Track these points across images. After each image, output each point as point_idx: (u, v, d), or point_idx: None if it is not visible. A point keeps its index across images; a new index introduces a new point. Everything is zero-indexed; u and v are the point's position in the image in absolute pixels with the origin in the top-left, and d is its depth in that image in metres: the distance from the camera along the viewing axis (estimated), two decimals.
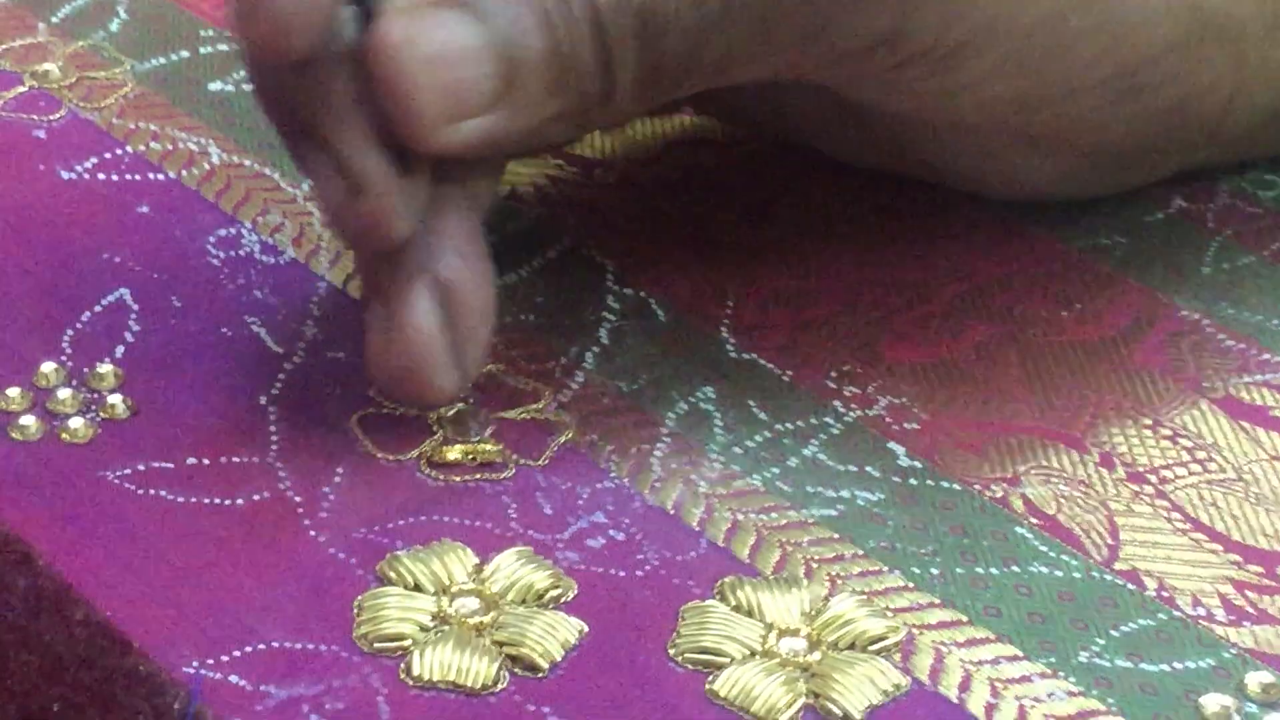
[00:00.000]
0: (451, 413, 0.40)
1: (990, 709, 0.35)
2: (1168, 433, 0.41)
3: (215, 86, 0.49)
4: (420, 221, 0.37)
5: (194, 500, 0.38)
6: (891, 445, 0.40)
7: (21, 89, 0.49)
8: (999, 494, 0.39)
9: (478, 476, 0.39)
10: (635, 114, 0.39)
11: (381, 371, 0.38)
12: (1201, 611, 0.37)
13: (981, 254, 0.45)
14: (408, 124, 0.37)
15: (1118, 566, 0.38)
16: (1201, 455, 0.40)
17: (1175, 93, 0.42)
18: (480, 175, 0.39)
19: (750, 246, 0.45)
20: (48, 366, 0.41)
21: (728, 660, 0.36)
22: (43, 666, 0.35)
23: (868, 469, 0.40)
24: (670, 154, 0.47)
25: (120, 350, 0.42)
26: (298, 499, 0.38)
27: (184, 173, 0.47)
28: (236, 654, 0.35)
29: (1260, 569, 0.38)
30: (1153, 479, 0.40)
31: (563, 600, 0.37)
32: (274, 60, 0.37)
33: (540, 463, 0.40)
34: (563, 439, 0.40)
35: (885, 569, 0.38)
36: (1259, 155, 0.47)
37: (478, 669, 0.35)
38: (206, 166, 0.47)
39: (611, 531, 0.38)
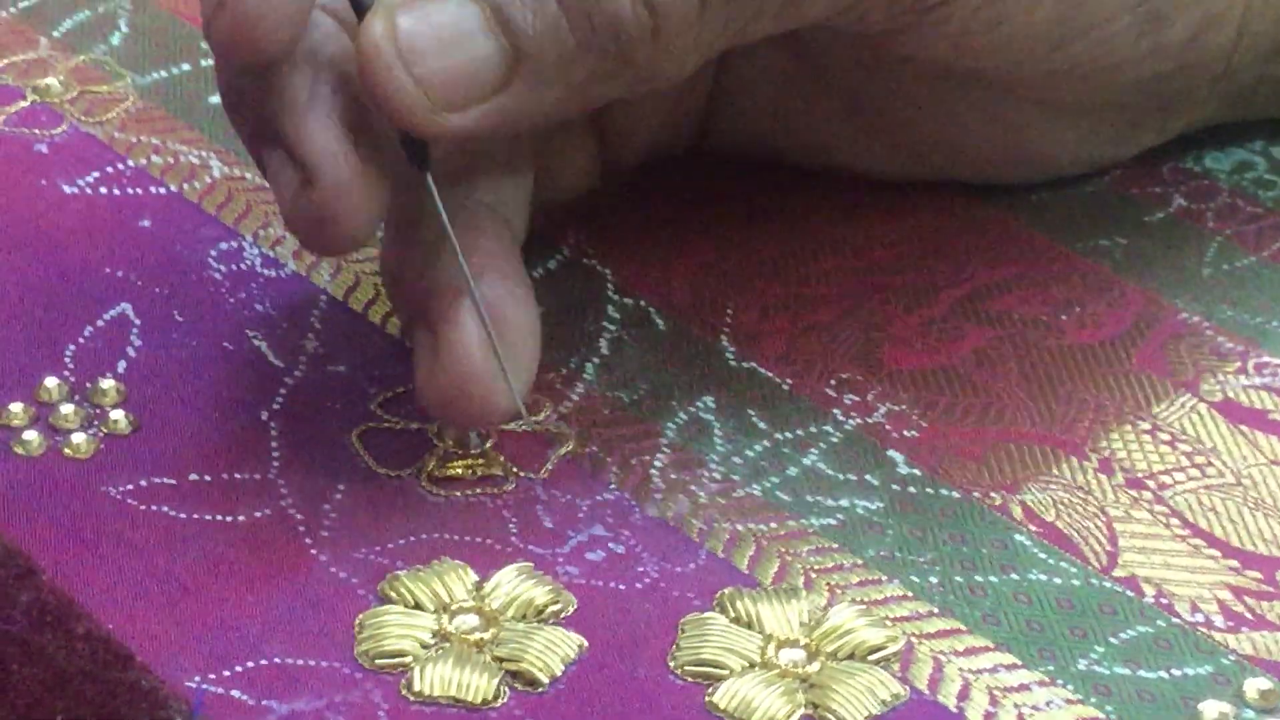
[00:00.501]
0: (453, 428, 0.40)
1: (989, 718, 0.35)
2: (1166, 437, 0.41)
3: (216, 100, 0.49)
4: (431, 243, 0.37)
5: (196, 517, 0.39)
6: (891, 453, 0.40)
7: (23, 103, 0.49)
8: (998, 501, 0.39)
9: (478, 491, 0.39)
10: (694, 59, 0.37)
11: (432, 394, 0.38)
12: (1200, 618, 0.37)
13: (980, 257, 0.45)
14: (397, 121, 0.36)
15: (1117, 573, 0.38)
16: (1200, 460, 0.40)
17: (1190, 21, 0.43)
18: (509, 196, 0.39)
19: (749, 254, 0.45)
20: (50, 382, 0.41)
21: (727, 672, 0.36)
22: (45, 680, 0.35)
23: (867, 477, 0.40)
24: (669, 161, 0.47)
25: (122, 365, 0.42)
26: (299, 516, 0.39)
27: (185, 186, 0.47)
28: (239, 669, 0.35)
29: (1259, 574, 0.38)
30: (1151, 484, 0.40)
31: (562, 615, 0.37)
32: (239, 62, 0.36)
33: (540, 475, 0.40)
34: (563, 451, 0.40)
35: (884, 578, 0.38)
36: (1256, 113, 0.47)
37: (478, 685, 0.35)
38: (208, 180, 0.47)
39: (611, 544, 0.38)
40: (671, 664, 0.36)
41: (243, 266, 0.45)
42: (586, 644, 0.36)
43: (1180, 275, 0.45)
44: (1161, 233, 0.46)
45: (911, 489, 0.39)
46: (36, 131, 0.48)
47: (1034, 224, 0.46)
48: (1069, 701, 0.35)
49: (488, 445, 0.40)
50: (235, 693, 0.35)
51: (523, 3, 0.36)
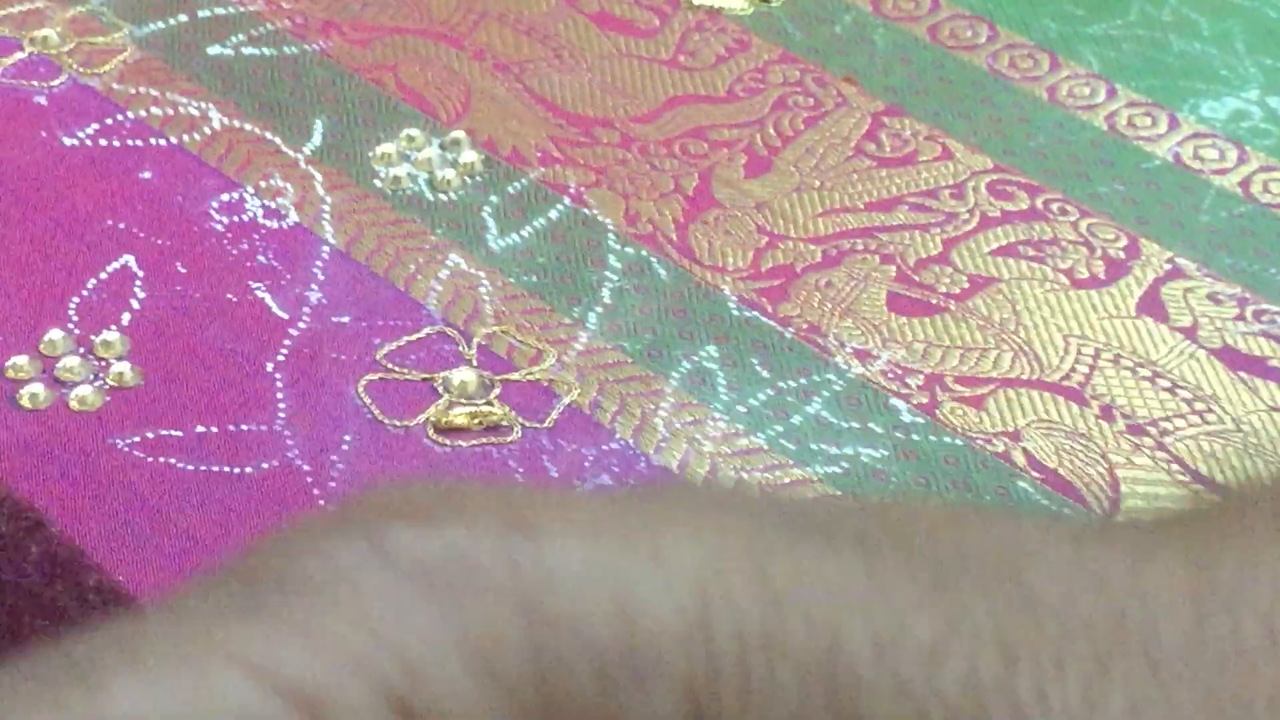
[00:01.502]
0: (457, 377, 0.40)
1: None
2: (1167, 384, 0.41)
3: (214, 50, 0.49)
4: None
5: (203, 468, 0.39)
6: (894, 402, 0.40)
7: (21, 55, 0.49)
8: (1000, 448, 0.39)
9: (484, 441, 0.39)
10: None
11: None
12: None
13: (978, 205, 0.45)
14: None
15: (1118, 519, 0.38)
16: (1200, 406, 0.40)
17: None
18: None
19: (751, 203, 0.45)
20: (55, 334, 0.41)
21: None
22: (56, 631, 0.35)
23: (870, 425, 0.40)
24: (670, 111, 0.47)
25: (126, 317, 0.42)
26: (306, 467, 0.39)
27: (185, 138, 0.47)
28: None
29: None
30: (1152, 430, 0.40)
31: None
32: None
33: (546, 425, 0.40)
34: (567, 400, 0.40)
35: None
36: None
37: None
38: (208, 131, 0.47)
39: None
40: None
41: (245, 218, 0.45)
42: None
43: (1178, 222, 0.45)
44: (1160, 180, 0.46)
45: (915, 436, 0.40)
46: (35, 83, 0.48)
47: (1032, 170, 0.46)
48: None
49: (493, 394, 0.40)
50: None
51: None
